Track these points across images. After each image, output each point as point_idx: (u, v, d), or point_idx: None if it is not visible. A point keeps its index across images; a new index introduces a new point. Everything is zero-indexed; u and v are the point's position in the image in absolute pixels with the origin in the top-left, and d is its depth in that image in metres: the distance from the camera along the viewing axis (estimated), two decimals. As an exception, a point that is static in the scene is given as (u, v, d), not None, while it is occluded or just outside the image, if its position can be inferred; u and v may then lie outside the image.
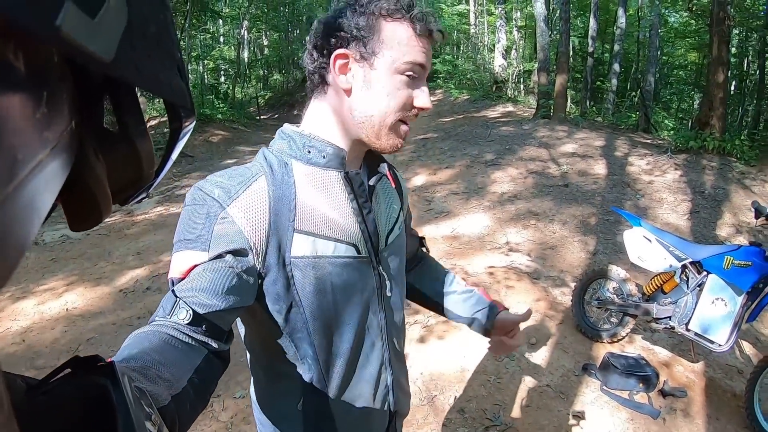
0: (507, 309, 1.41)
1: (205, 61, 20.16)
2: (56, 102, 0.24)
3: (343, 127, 1.01)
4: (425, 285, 1.43)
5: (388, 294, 1.11)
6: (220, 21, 21.23)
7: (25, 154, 0.20)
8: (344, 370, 1.06)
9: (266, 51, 24.04)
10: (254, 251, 0.90)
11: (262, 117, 18.93)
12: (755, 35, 13.56)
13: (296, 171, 0.98)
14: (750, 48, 16.34)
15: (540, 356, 3.51)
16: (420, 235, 1.45)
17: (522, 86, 17.74)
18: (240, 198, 0.90)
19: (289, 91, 22.58)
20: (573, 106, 15.36)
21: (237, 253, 0.87)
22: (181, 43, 15.23)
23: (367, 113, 0.97)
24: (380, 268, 1.08)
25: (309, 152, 0.99)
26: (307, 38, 1.00)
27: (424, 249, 1.46)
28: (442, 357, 3.45)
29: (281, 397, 1.08)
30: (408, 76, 0.95)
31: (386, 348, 1.14)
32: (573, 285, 4.43)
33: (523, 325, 3.77)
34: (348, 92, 0.97)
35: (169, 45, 0.32)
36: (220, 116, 14.99)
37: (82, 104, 0.28)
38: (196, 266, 0.84)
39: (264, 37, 24.35)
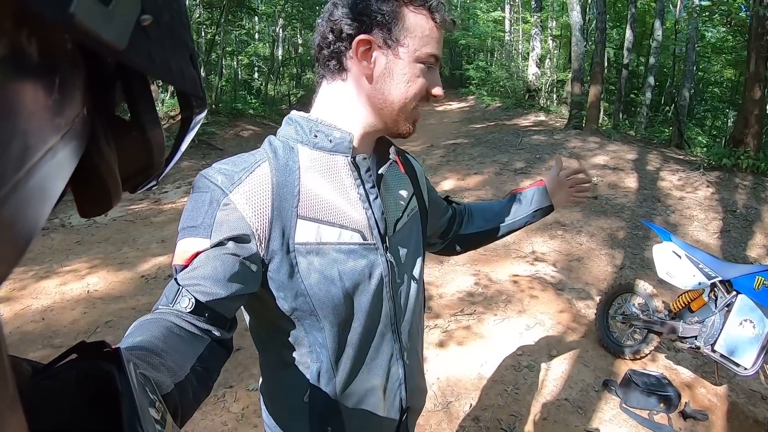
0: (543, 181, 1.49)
1: (240, 57, 20.37)
2: (68, 89, 0.24)
3: (358, 113, 1.00)
4: (481, 224, 1.47)
5: (398, 281, 1.08)
6: (256, 18, 21.39)
7: (36, 140, 0.20)
8: (353, 360, 1.03)
9: (300, 50, 23.99)
10: (257, 237, 0.89)
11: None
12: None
13: (302, 156, 0.97)
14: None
15: (560, 369, 3.45)
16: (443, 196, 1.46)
17: (555, 96, 17.56)
18: (243, 184, 0.89)
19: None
20: (606, 118, 15.15)
21: (239, 239, 0.87)
22: (216, 38, 15.43)
23: (388, 100, 0.97)
24: (388, 255, 1.05)
25: (316, 137, 0.98)
26: (319, 20, 0.99)
27: (453, 204, 1.46)
28: (460, 363, 3.42)
29: (288, 389, 1.05)
30: (426, 65, 0.97)
31: (397, 339, 1.10)
32: (598, 298, 4.34)
33: (544, 331, 3.77)
34: (369, 78, 0.96)
35: (182, 33, 0.31)
36: (251, 112, 15.15)
37: (94, 91, 0.28)
38: (198, 253, 0.85)
39: (299, 36, 24.32)
